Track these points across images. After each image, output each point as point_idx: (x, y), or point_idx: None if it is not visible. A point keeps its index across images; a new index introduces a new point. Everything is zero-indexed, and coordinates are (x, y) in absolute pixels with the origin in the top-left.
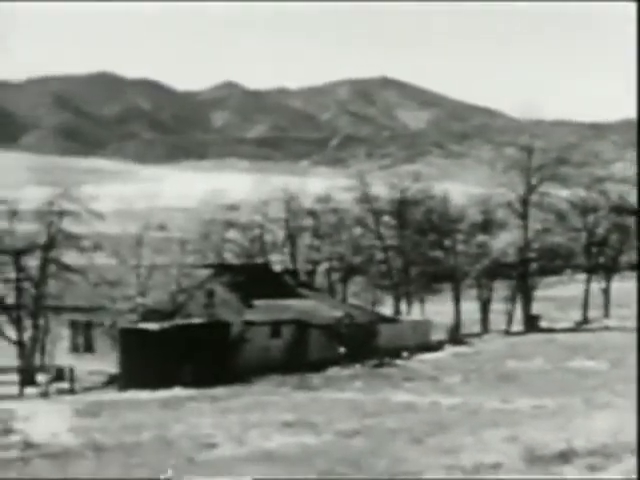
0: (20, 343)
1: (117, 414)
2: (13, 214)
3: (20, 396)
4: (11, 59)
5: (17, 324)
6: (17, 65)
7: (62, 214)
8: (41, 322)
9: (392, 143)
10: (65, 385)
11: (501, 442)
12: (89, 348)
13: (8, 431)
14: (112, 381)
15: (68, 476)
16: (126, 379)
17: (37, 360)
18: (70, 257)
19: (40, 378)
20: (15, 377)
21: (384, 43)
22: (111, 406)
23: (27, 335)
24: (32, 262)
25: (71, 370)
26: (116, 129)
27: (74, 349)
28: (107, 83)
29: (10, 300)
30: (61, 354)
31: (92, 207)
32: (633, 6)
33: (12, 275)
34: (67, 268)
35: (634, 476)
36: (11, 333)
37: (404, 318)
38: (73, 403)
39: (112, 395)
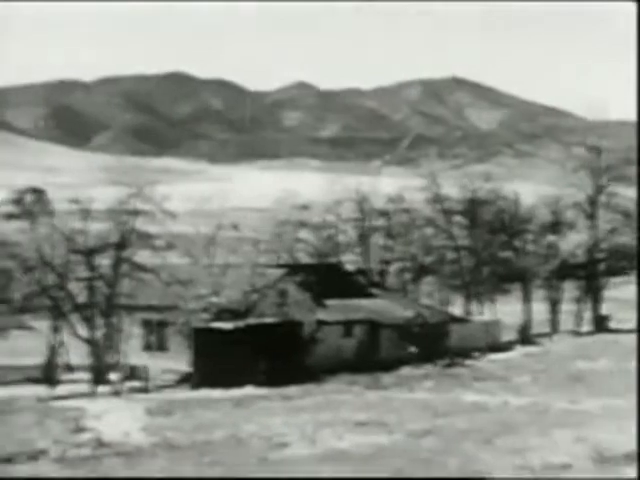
0: (92, 341)
1: (190, 413)
2: (85, 213)
3: (92, 394)
4: (82, 59)
5: (89, 322)
6: (87, 65)
7: (135, 213)
8: (114, 321)
9: (463, 143)
10: (138, 384)
11: (570, 442)
12: (162, 347)
13: (80, 429)
14: (185, 380)
15: (140, 475)
16: (199, 378)
17: (109, 358)
18: (143, 256)
19: (112, 376)
20: (88, 375)
21: (454, 43)
22: (184, 405)
23: (99, 333)
24: (105, 261)
25: (144, 369)
26: (188, 129)
27: (147, 348)
28: (179, 83)
29: (82, 299)
30: (134, 353)
31: (165, 206)
32: None
33: (84, 274)
34: (140, 267)
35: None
36: (83, 331)
37: (475, 318)
38: (145, 402)
39: (185, 394)
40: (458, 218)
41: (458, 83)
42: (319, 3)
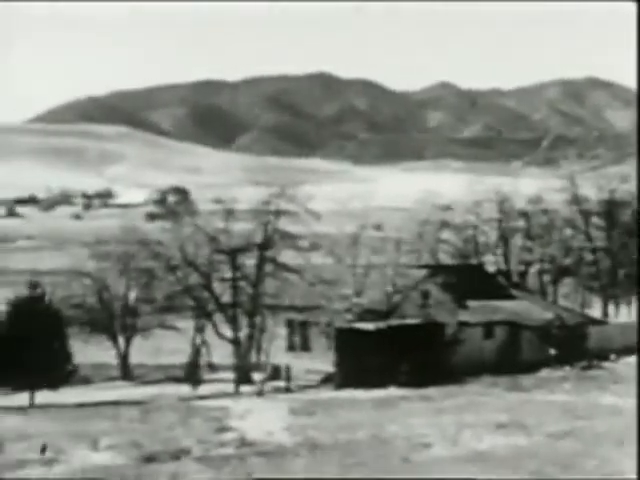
0: (236, 341)
1: (333, 413)
2: (229, 213)
3: (236, 394)
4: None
5: (233, 323)
6: (232, 65)
7: (279, 213)
8: (257, 321)
9: (601, 144)
10: (281, 383)
11: None
12: (305, 347)
13: (224, 429)
14: (328, 380)
15: (284, 474)
16: (342, 378)
17: (253, 358)
18: (287, 256)
19: (256, 376)
20: (231, 375)
21: (590, 43)
22: (327, 405)
23: (243, 334)
24: (248, 261)
25: (287, 369)
26: (333, 129)
27: (290, 348)
28: (324, 83)
29: (226, 298)
30: (277, 353)
31: (309, 207)
32: None
33: (228, 274)
34: (284, 267)
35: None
36: (227, 331)
37: (612, 320)
38: (289, 401)
39: (328, 394)
40: (595, 219)
41: (595, 83)
42: (460, 3)
